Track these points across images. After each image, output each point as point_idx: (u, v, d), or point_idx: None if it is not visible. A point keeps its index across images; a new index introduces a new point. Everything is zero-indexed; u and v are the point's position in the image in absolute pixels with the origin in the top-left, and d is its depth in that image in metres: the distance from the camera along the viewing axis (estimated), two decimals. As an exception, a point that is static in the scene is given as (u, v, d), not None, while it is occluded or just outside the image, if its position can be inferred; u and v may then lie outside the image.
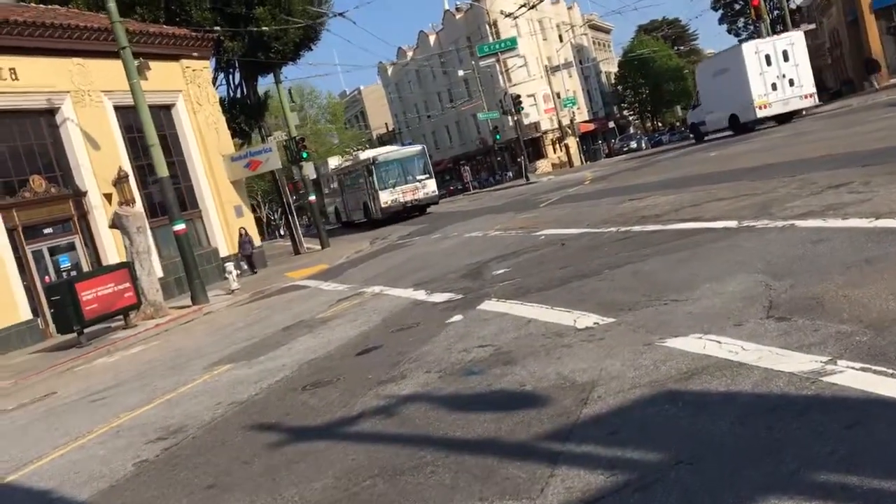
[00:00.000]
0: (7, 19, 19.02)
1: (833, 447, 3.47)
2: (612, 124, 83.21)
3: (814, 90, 34.01)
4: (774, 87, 33.23)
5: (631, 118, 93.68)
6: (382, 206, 33.35)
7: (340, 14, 37.36)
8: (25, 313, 18.50)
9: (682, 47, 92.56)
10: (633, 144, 63.30)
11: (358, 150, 41.69)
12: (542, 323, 7.11)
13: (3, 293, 18.05)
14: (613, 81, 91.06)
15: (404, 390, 6.10)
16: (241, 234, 25.25)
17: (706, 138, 39.32)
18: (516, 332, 7.04)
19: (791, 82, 33.27)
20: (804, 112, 34.74)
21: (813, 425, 3.72)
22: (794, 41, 33.96)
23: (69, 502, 5.48)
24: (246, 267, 24.51)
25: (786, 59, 33.50)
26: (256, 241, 27.25)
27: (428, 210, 35.65)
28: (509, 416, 4.89)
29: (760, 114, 33.56)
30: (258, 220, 76.68)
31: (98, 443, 7.03)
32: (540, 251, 12.01)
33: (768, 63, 33.40)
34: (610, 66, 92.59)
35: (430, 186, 34.84)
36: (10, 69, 19.44)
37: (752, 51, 33.56)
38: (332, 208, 45.04)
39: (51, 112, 20.95)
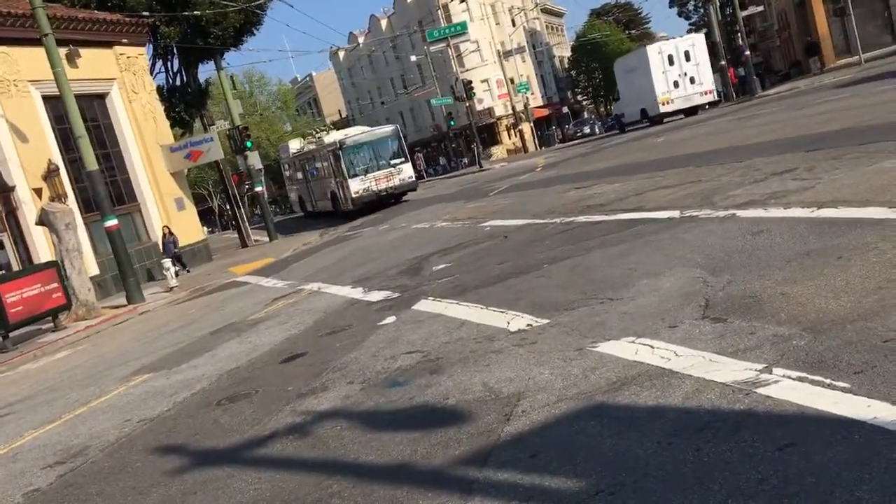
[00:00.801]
0: (-79, 6, 17.98)
1: (764, 474, 3.15)
2: (566, 109, 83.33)
3: (713, 87, 38.24)
4: (676, 84, 37.28)
5: (585, 103, 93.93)
6: (353, 195, 28.79)
7: None
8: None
9: (634, 31, 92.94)
10: (587, 129, 63.22)
11: (322, 131, 35.97)
12: (475, 325, 6.75)
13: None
14: (567, 66, 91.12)
15: (322, 405, 5.68)
16: (164, 234, 23.13)
17: (627, 129, 42.29)
18: (447, 335, 6.66)
19: (692, 80, 37.21)
20: (706, 106, 38.25)
21: (744, 447, 3.41)
22: (695, 43, 38.05)
23: (-59, 545, 4.97)
24: (178, 266, 22.11)
25: (687, 59, 37.30)
26: (195, 235, 26.43)
27: (404, 198, 31.27)
28: (428, 436, 4.50)
29: (663, 109, 37.48)
30: (209, 212, 75.28)
31: (-8, 468, 6.48)
32: (483, 244, 11.65)
33: (671, 63, 37.28)
34: (563, 51, 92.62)
35: (407, 171, 30.29)
36: (-75, 58, 18.41)
37: (656, 52, 37.67)
38: (295, 196, 41.05)
39: (-27, 103, 19.93)
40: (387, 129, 31.76)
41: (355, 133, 31.44)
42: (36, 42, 17.83)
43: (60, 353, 13.65)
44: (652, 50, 38.16)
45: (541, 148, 61.20)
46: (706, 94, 37.72)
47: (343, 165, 29.19)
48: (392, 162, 29.85)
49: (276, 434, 5.31)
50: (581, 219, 11.26)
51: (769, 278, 5.65)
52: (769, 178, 10.01)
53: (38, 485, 5.61)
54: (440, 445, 4.32)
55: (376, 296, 9.71)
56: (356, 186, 28.93)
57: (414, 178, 30.91)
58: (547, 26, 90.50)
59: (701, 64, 37.68)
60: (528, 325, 6.27)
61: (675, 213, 9.26)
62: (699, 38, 39.16)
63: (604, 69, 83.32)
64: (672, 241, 7.83)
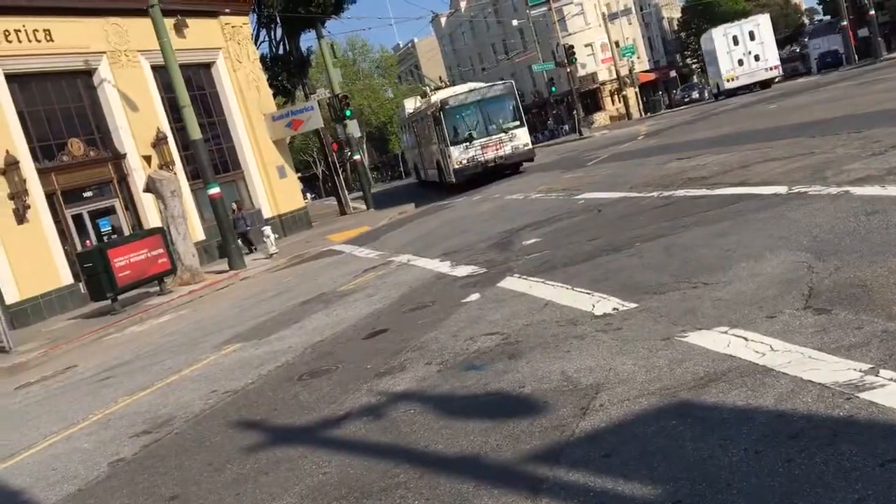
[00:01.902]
0: (39, -19, 18.81)
1: (862, 493, 2.83)
2: (673, 73, 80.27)
3: (778, 63, 42.69)
4: (741, 62, 41.62)
5: (694, 66, 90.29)
6: (455, 167, 24.49)
7: None
8: (67, 278, 18.61)
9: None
10: (696, 95, 60.76)
11: (437, 88, 32.20)
12: (559, 307, 6.50)
13: (44, 258, 18.16)
14: (676, 28, 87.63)
15: (399, 386, 5.59)
16: (233, 211, 21.47)
17: (718, 98, 45.37)
18: (529, 317, 6.44)
19: (756, 58, 41.38)
20: (776, 80, 42.33)
21: (841, 460, 3.08)
22: (760, 23, 42.40)
23: (31, 508, 5.18)
24: (245, 247, 20.96)
25: (752, 38, 41.53)
26: (295, 203, 26.83)
27: (522, 168, 26.46)
28: (499, 427, 4.33)
29: (728, 85, 41.91)
30: (314, 178, 76.86)
31: (87, 433, 6.75)
32: (575, 218, 11.31)
33: (735, 43, 41.73)
34: (673, 12, 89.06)
35: (522, 137, 25.05)
36: (44, 30, 19.32)
37: (721, 34, 42.46)
38: (411, 162, 38.10)
39: (87, 73, 20.83)
40: (498, 86, 26.44)
41: (460, 91, 26.52)
42: (145, 13, 18.38)
43: (164, 316, 14.20)
44: (717, 32, 42.92)
45: (645, 114, 59.32)
46: (771, 69, 41.47)
47: (445, 130, 24.92)
48: (505, 126, 24.95)
49: (350, 414, 5.26)
50: (680, 193, 10.74)
51: (882, 266, 5.15)
52: (889, 150, 9.23)
53: (123, 454, 5.79)
54: (511, 438, 4.14)
55: (463, 270, 9.56)
56: (458, 156, 24.46)
57: (531, 146, 25.68)
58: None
59: (765, 42, 41.50)
60: (614, 308, 5.98)
61: (782, 189, 8.67)
62: (764, 19, 43.26)
63: (716, 29, 79.91)
64: (776, 220, 7.31)
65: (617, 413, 4.11)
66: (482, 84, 27.95)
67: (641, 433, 3.80)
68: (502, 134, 24.78)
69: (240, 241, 19.81)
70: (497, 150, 24.66)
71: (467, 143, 24.50)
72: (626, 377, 4.56)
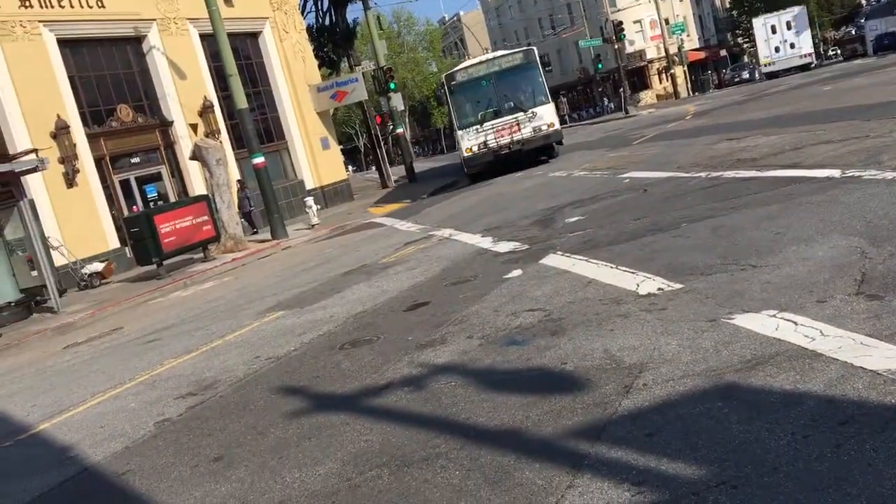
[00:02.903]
0: (92, -53, 19.03)
1: (915, 483, 2.77)
2: (724, 53, 78.55)
3: (811, 51, 48.45)
4: (777, 49, 47.61)
5: (746, 46, 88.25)
6: (465, 155, 21.01)
7: None
8: (114, 242, 19.02)
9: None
10: (746, 75, 59.42)
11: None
12: (602, 285, 6.45)
13: (92, 222, 18.56)
14: (728, 6, 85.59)
15: (440, 358, 5.61)
16: (239, 189, 21.05)
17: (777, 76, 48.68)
18: (572, 294, 6.40)
19: (791, 45, 47.19)
20: (812, 65, 47.27)
21: (892, 447, 3.02)
22: (797, 13, 48.13)
23: (79, 463, 5.32)
24: (246, 224, 20.54)
25: (788, 28, 47.43)
26: (338, 175, 26.94)
27: (554, 152, 22.27)
28: (541, 402, 4.33)
29: (765, 69, 48.82)
30: (355, 151, 77.11)
31: (133, 393, 6.91)
32: (620, 197, 11.18)
33: (773, 32, 47.79)
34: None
35: (546, 116, 20.78)
36: (96, -5, 19.56)
37: (761, 23, 49.09)
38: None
39: (137, 40, 21.12)
40: (517, 54, 22.03)
41: (471, 63, 22.70)
42: (195, -19, 18.54)
43: (207, 283, 14.43)
44: (758, 22, 49.69)
45: (694, 94, 58.26)
46: (805, 56, 47.05)
47: (453, 110, 21.47)
48: (524, 104, 20.92)
49: (391, 384, 5.30)
50: (729, 174, 10.55)
51: (940, 253, 5.02)
52: (950, 136, 8.95)
53: (169, 415, 5.92)
54: (553, 413, 4.14)
55: (505, 246, 9.54)
56: (468, 142, 20.74)
57: (557, 127, 21.37)
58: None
59: (800, 31, 47.28)
60: (658, 288, 5.92)
61: (836, 173, 8.46)
62: (801, 10, 48.60)
63: (769, 10, 77.89)
64: (829, 203, 7.14)
65: (661, 393, 4.07)
66: (499, 53, 23.16)
67: (686, 414, 3.76)
68: (520, 113, 20.61)
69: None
70: (513, 132, 20.50)
71: (478, 126, 20.65)
72: (670, 357, 4.51)
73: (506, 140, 20.55)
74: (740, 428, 3.48)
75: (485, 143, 20.62)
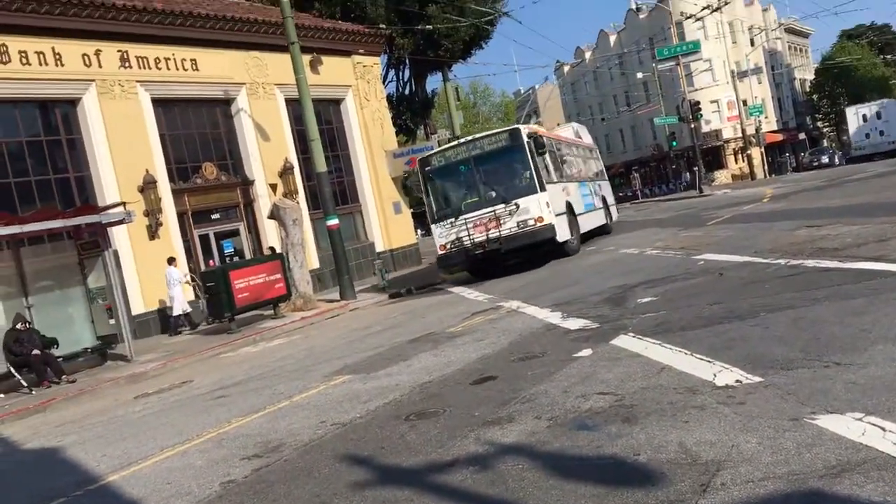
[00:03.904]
0: (192, 13, 20.15)
1: None
2: (802, 136, 77.47)
3: None
4: (868, 136, 53.87)
5: (825, 130, 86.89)
6: (439, 252, 17.98)
7: (505, 14, 31.19)
8: (189, 294, 19.51)
9: (890, 56, 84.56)
10: (825, 159, 58.39)
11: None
12: (677, 372, 6.27)
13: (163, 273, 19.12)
14: (808, 90, 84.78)
15: (507, 438, 5.52)
16: (271, 249, 19.76)
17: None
18: (645, 380, 6.25)
19: (881, 133, 52.96)
20: None
21: None
22: (887, 105, 54.77)
23: (146, 520, 5.37)
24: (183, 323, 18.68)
25: (879, 117, 53.83)
26: (408, 239, 27.15)
27: (570, 249, 18.46)
28: (612, 495, 4.19)
29: (854, 153, 54.14)
30: (423, 214, 78.29)
31: (200, 450, 6.97)
32: (694, 280, 10.97)
33: (864, 120, 54.59)
34: (805, 74, 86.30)
35: (534, 209, 17.03)
36: (191, 60, 20.63)
37: (853, 112, 56.26)
38: None
39: (226, 102, 22.07)
40: (500, 134, 18.29)
41: (450, 146, 19.16)
42: (283, 49, 19.36)
43: (276, 340, 14.64)
44: (850, 111, 56.87)
45: (770, 176, 57.37)
46: (892, 143, 51.62)
47: (430, 200, 18.36)
48: (508, 194, 17.34)
49: (457, 462, 5.22)
50: (810, 263, 10.25)
51: None
52: None
53: (234, 476, 5.94)
54: (625, 508, 4.00)
55: (574, 324, 9.42)
56: (442, 238, 17.68)
57: (550, 222, 17.11)
58: (789, 47, 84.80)
59: (890, 121, 53.16)
60: (737, 380, 5.72)
61: (925, 269, 8.15)
62: (891, 102, 55.47)
63: (851, 95, 76.73)
64: (919, 301, 6.86)
65: (740, 494, 3.90)
66: (481, 134, 19.14)
67: (767, 521, 3.59)
68: (501, 205, 17.13)
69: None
70: (490, 228, 17.06)
71: (453, 220, 17.48)
72: (749, 456, 4.33)
73: (481, 237, 17.09)
74: (827, 542, 3.30)
75: (459, 239, 17.32)
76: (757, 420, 4.84)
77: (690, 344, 7.06)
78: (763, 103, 66.59)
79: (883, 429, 4.30)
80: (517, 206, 16.99)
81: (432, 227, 18.01)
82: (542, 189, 17.16)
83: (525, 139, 17.48)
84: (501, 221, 17.01)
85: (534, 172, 17.24)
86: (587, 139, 26.54)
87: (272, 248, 21.39)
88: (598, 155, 26.26)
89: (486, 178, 17.76)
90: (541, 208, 16.99)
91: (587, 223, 20.70)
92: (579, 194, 20.78)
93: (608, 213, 24.32)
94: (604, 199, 24.19)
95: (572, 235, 18.50)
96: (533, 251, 18.04)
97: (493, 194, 17.46)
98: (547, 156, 18.35)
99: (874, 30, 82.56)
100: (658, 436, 4.92)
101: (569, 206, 18.85)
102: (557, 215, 17.50)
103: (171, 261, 18.45)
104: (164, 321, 18.90)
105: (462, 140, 19.05)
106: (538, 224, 16.92)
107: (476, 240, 17.09)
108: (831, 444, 4.26)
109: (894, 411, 4.50)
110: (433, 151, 19.69)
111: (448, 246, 17.51)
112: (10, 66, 17.78)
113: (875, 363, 5.43)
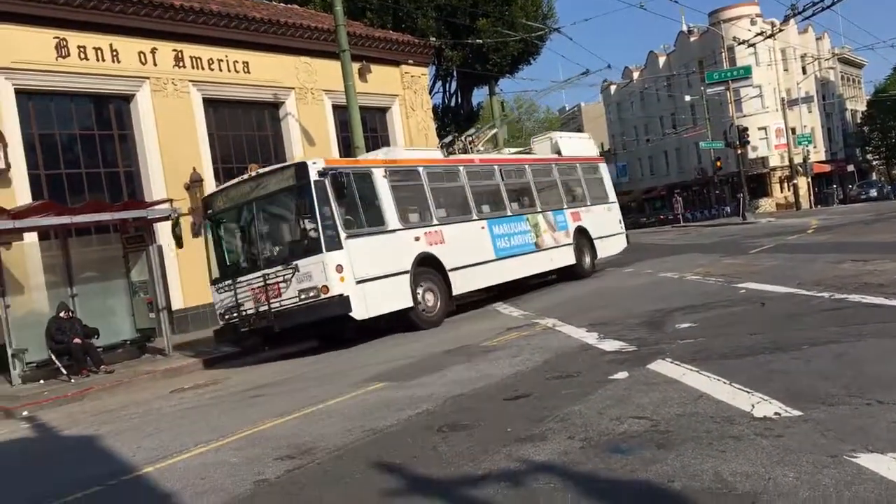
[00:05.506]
0: (246, 16, 20.52)
1: None
2: (851, 168, 76.17)
3: None
4: None
5: (875, 163, 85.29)
6: (220, 322, 14.45)
7: (556, 30, 31.42)
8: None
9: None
10: (874, 193, 57.47)
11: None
12: (715, 401, 6.21)
13: (204, 270, 19.40)
14: (859, 121, 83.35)
15: (539, 456, 5.51)
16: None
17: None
18: (681, 407, 6.19)
19: None
20: None
21: None
22: None
23: (179, 513, 5.45)
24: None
25: None
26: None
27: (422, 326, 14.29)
28: (643, 521, 4.16)
29: None
30: (463, 226, 78.25)
31: (234, 448, 7.06)
32: (735, 308, 10.85)
33: None
34: (857, 105, 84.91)
35: (317, 275, 12.70)
36: (243, 62, 21.01)
37: None
38: None
39: (274, 105, 22.42)
40: (283, 171, 13.81)
41: (233, 182, 14.71)
42: (333, 56, 19.63)
43: (313, 342, 14.72)
44: None
45: (816, 206, 56.49)
46: None
47: (210, 254, 14.55)
48: (287, 248, 13.55)
49: (488, 476, 5.22)
50: (854, 297, 10.08)
51: None
52: None
53: (267, 475, 6.00)
54: (656, 536, 3.97)
55: (611, 345, 9.36)
56: (220, 305, 14.11)
57: (344, 294, 12.59)
58: (842, 77, 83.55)
59: None
60: (775, 413, 5.64)
61: (976, 311, 7.96)
62: None
63: (903, 128, 75.31)
64: (968, 345, 6.71)
65: (776, 530, 3.85)
66: (265, 169, 14.22)
67: (803, 557, 3.54)
68: (278, 267, 13.02)
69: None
70: (260, 298, 13.09)
71: (229, 282, 13.70)
72: (786, 491, 4.26)
73: (251, 306, 13.25)
74: (864, 583, 3.24)
75: (235, 307, 13.52)
76: (795, 454, 4.77)
77: (729, 373, 6.98)
78: (812, 132, 65.70)
79: (926, 471, 4.22)
80: (297, 268, 12.75)
81: (210, 289, 14.31)
82: (336, 247, 12.57)
83: (313, 178, 12.65)
84: (280, 289, 12.84)
85: (320, 224, 12.51)
86: (586, 152, 21.93)
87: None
88: (602, 172, 21.75)
89: (269, 229, 13.83)
90: (326, 274, 12.46)
91: (511, 269, 16.87)
92: (506, 232, 17.00)
93: (585, 250, 19.75)
94: (580, 232, 19.52)
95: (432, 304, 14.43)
96: (325, 328, 13.90)
97: (277, 251, 13.55)
98: (369, 195, 13.83)
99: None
100: (693, 464, 4.87)
101: (433, 258, 14.81)
102: (362, 281, 12.90)
103: None
104: (203, 318, 19.16)
105: (247, 176, 14.02)
106: (325, 295, 12.48)
107: (248, 311, 13.22)
108: (871, 484, 4.18)
109: (938, 454, 4.41)
110: (217, 189, 15.68)
111: (226, 316, 13.82)
112: (68, 60, 18.31)
113: (920, 404, 5.32)
